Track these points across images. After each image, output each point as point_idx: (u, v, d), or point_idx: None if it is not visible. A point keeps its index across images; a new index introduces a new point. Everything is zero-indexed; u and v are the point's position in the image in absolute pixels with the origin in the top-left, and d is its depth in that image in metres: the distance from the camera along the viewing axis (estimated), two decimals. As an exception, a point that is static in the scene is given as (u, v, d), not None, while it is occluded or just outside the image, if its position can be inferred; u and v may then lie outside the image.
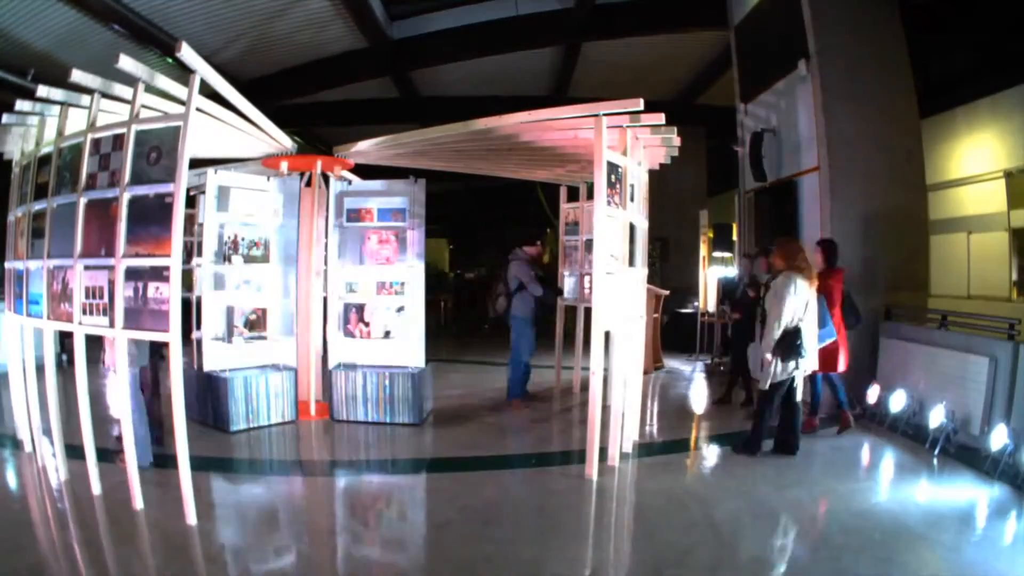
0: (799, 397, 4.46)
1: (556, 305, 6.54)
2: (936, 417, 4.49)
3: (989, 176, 6.73)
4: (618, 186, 4.16)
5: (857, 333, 5.60)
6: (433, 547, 3.19)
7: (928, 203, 6.17)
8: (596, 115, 3.89)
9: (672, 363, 8.34)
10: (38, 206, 3.71)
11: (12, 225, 4.11)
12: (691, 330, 8.86)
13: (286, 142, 4.99)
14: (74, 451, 3.67)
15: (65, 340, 6.42)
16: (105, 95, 3.49)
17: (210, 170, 5.14)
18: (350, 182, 5.76)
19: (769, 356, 4.20)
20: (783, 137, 6.49)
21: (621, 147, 4.24)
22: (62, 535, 3.12)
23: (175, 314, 3.07)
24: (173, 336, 3.06)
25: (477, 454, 4.55)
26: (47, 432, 3.85)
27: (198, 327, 5.24)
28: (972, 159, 6.96)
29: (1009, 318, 4.48)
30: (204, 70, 3.24)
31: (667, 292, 8.18)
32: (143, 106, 3.39)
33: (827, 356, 4.65)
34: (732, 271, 8.34)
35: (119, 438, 4.00)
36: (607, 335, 4.10)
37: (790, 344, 4.14)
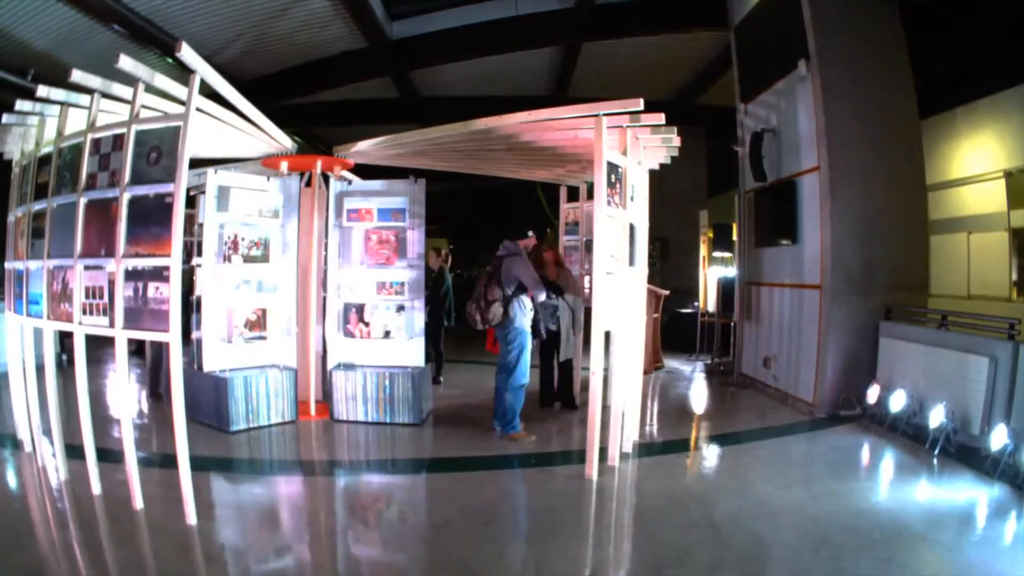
0: None
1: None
2: (936, 417, 4.49)
3: (989, 176, 6.73)
4: (618, 186, 4.16)
5: (857, 333, 5.63)
6: (433, 547, 3.19)
7: (928, 203, 6.17)
8: (596, 115, 3.89)
9: (672, 363, 8.35)
10: (38, 206, 3.71)
11: (12, 225, 4.11)
12: (691, 330, 8.87)
13: (286, 142, 4.99)
14: (74, 451, 3.68)
15: (65, 340, 6.43)
16: (105, 95, 3.49)
17: (210, 170, 5.14)
18: (350, 182, 5.76)
19: None
20: (783, 137, 6.49)
21: (621, 147, 4.24)
22: (62, 535, 3.12)
23: (175, 314, 3.07)
24: (173, 336, 3.06)
25: (477, 454, 4.55)
26: (47, 432, 3.85)
27: (198, 327, 5.23)
28: (972, 159, 6.96)
29: (1009, 318, 4.48)
30: (204, 70, 3.24)
31: (667, 292, 8.18)
32: (143, 106, 3.39)
33: None
34: (732, 271, 8.34)
35: None
36: (607, 335, 4.10)
37: None
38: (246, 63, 8.73)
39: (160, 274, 3.11)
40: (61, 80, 3.49)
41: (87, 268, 3.34)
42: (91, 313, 3.31)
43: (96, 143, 3.40)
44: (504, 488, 3.97)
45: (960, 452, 4.38)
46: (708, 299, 8.88)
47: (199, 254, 5.35)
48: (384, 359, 5.40)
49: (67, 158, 3.54)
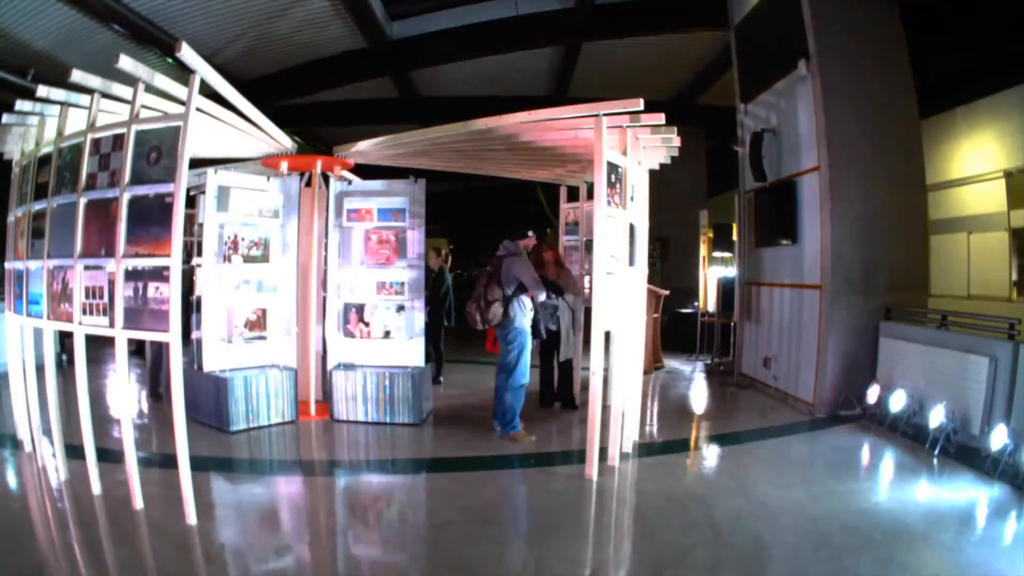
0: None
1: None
2: (936, 417, 4.49)
3: (989, 176, 6.73)
4: (618, 186, 4.16)
5: (857, 333, 5.63)
6: (433, 547, 3.19)
7: (928, 203, 6.17)
8: (596, 115, 3.89)
9: (672, 363, 8.35)
10: (38, 206, 3.71)
11: (12, 225, 4.11)
12: (691, 330, 8.87)
13: (286, 142, 4.99)
14: (74, 451, 3.68)
15: (65, 340, 6.43)
16: (105, 95, 3.49)
17: (210, 170, 5.14)
18: (350, 182, 5.76)
19: None
20: (783, 137, 6.49)
21: (621, 147, 4.24)
22: (62, 535, 3.12)
23: (175, 314, 3.07)
24: (173, 336, 3.06)
25: (477, 454, 4.55)
26: (47, 432, 3.85)
27: (198, 327, 5.24)
28: (972, 159, 6.97)
29: (1009, 318, 4.48)
30: (204, 70, 3.24)
31: (667, 292, 8.18)
32: (143, 106, 3.39)
33: None
34: (732, 271, 8.34)
35: None
36: (607, 335, 4.10)
37: None
38: (246, 63, 8.73)
39: (160, 274, 3.11)
40: (61, 80, 3.49)
41: (87, 268, 3.34)
42: (91, 313, 3.31)
43: (96, 143, 3.40)
44: (504, 488, 3.97)
45: (960, 452, 4.38)
46: (708, 299, 8.88)
47: (199, 254, 5.35)
48: (384, 359, 5.40)
49: (67, 158, 3.54)
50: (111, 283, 3.22)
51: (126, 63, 3.09)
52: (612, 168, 4.06)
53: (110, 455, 3.85)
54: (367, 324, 5.46)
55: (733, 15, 7.31)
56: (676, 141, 4.64)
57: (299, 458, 4.64)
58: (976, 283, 6.89)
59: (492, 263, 4.79)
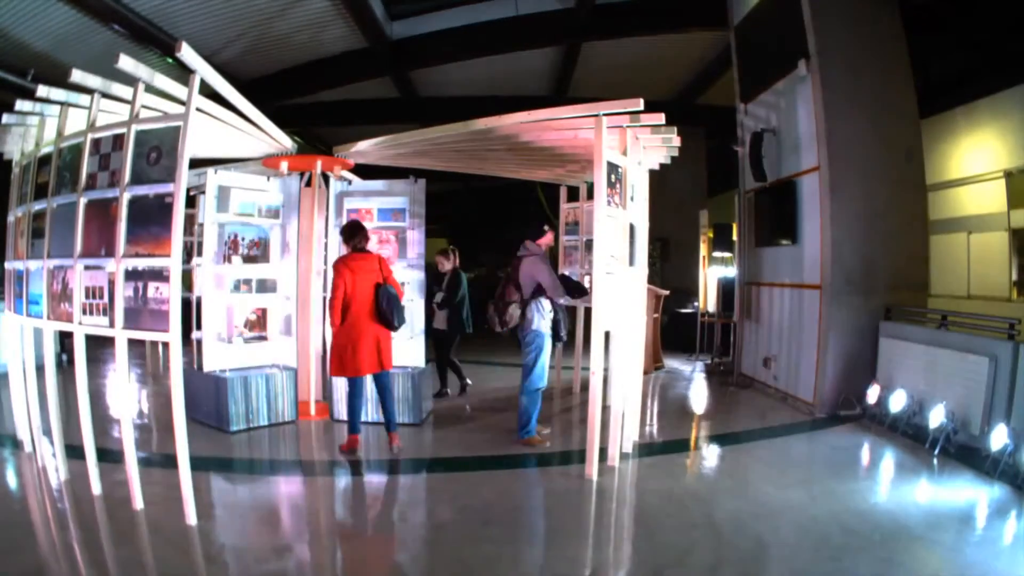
0: None
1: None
2: (936, 417, 4.49)
3: (989, 176, 6.73)
4: (618, 186, 4.17)
5: (857, 333, 5.63)
6: (433, 547, 3.19)
7: (928, 203, 6.17)
8: (596, 115, 3.89)
9: (672, 363, 8.35)
10: (38, 206, 3.71)
11: (12, 225, 4.11)
12: (691, 330, 8.87)
13: (286, 142, 4.99)
14: (74, 451, 3.68)
15: (65, 340, 6.43)
16: (105, 95, 3.49)
17: (210, 170, 5.14)
18: (350, 182, 5.76)
19: None
20: (783, 137, 6.49)
21: (621, 147, 4.24)
22: (62, 535, 3.12)
23: (175, 314, 3.07)
24: (173, 336, 3.06)
25: (477, 454, 4.55)
26: (47, 432, 3.85)
27: (198, 327, 5.24)
28: (972, 159, 6.96)
29: (1009, 318, 4.48)
30: (204, 70, 3.24)
31: (667, 292, 8.19)
32: (143, 106, 3.39)
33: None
34: (732, 271, 8.34)
35: None
36: (607, 335, 4.10)
37: None
38: (246, 63, 8.73)
39: (160, 274, 3.11)
40: (61, 80, 3.49)
41: (87, 268, 3.34)
42: (91, 313, 3.32)
43: (96, 143, 3.40)
44: (504, 488, 3.97)
45: (960, 452, 4.38)
46: (708, 299, 8.88)
47: (199, 254, 5.35)
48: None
49: (67, 158, 3.54)
50: (111, 283, 3.22)
51: (126, 63, 3.09)
52: (612, 168, 4.06)
53: (110, 455, 3.85)
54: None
55: (733, 15, 7.32)
56: (676, 141, 4.64)
57: (299, 458, 4.64)
58: (976, 283, 6.89)
59: (511, 264, 4.68)
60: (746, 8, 6.97)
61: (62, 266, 3.46)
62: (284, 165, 5.18)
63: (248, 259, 5.30)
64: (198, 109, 3.33)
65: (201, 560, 2.91)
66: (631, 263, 4.40)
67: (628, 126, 4.17)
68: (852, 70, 5.69)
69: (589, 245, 5.19)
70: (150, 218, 3.15)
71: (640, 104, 3.78)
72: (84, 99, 3.57)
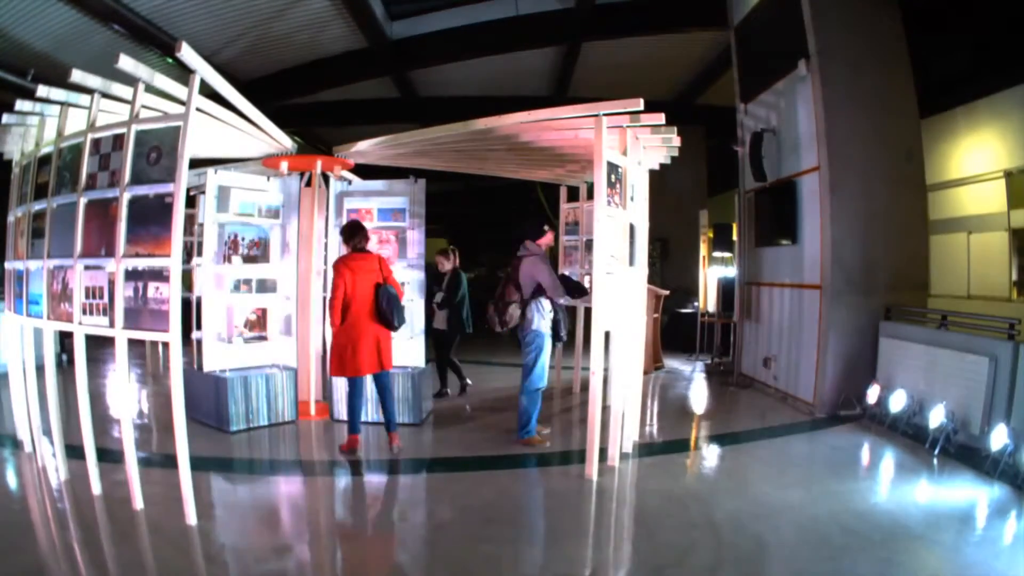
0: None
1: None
2: (936, 417, 4.49)
3: (989, 176, 6.72)
4: (618, 186, 4.17)
5: (857, 333, 5.63)
6: (433, 547, 3.19)
7: (928, 203, 6.17)
8: (596, 115, 3.89)
9: (672, 363, 8.35)
10: (38, 206, 3.71)
11: (12, 225, 4.11)
12: (691, 330, 8.87)
13: (286, 142, 4.99)
14: (74, 451, 3.68)
15: (65, 340, 6.43)
16: (105, 95, 3.49)
17: (210, 170, 5.14)
18: (350, 182, 5.76)
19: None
20: (783, 137, 6.49)
21: (621, 147, 4.24)
22: (62, 535, 3.12)
23: (175, 314, 3.07)
24: (173, 336, 3.06)
25: (477, 454, 4.55)
26: (47, 432, 3.85)
27: (198, 327, 5.24)
28: (972, 159, 6.96)
29: (1009, 318, 4.48)
30: (204, 70, 3.24)
31: (667, 292, 8.19)
32: (143, 106, 3.39)
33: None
34: (732, 271, 8.34)
35: None
36: (607, 335, 4.10)
37: None
38: (246, 63, 8.73)
39: (160, 274, 3.11)
40: (61, 80, 3.49)
41: (87, 268, 3.34)
42: (91, 313, 3.32)
43: (96, 143, 3.40)
44: (504, 488, 3.97)
45: (960, 452, 4.38)
46: (708, 299, 8.88)
47: (199, 254, 5.35)
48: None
49: (67, 158, 3.54)
50: (111, 283, 3.22)
51: (126, 63, 3.09)
52: (612, 168, 4.06)
53: (110, 455, 3.85)
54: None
55: (733, 15, 7.32)
56: (676, 141, 4.64)
57: (299, 458, 4.64)
58: (976, 283, 6.88)
59: (512, 264, 4.67)
60: (746, 8, 6.97)
61: (62, 266, 3.46)
62: (284, 165, 5.18)
63: (248, 259, 5.31)
64: (198, 109, 3.33)
65: (201, 560, 2.91)
66: (631, 263, 4.40)
67: (628, 126, 4.17)
68: (852, 70, 5.69)
69: (589, 245, 5.19)
70: (150, 218, 3.15)
71: (640, 104, 3.78)
72: (84, 99, 3.57)
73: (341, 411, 5.26)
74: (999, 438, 3.99)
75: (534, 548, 3.11)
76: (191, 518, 3.15)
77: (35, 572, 2.73)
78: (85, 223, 3.36)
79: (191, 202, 6.71)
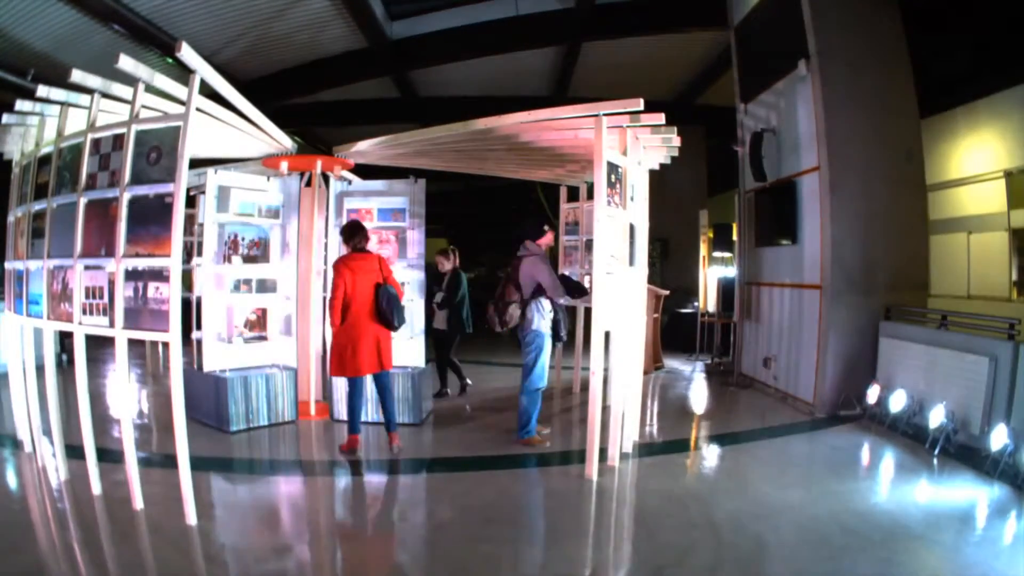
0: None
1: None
2: (936, 417, 4.49)
3: (989, 176, 6.73)
4: (618, 186, 4.17)
5: (857, 333, 5.63)
6: (433, 547, 3.19)
7: (928, 203, 6.17)
8: (596, 115, 3.89)
9: (672, 363, 8.35)
10: (38, 206, 3.71)
11: (12, 225, 4.11)
12: (691, 330, 8.87)
13: (286, 142, 4.99)
14: (74, 451, 3.68)
15: (65, 340, 6.43)
16: (105, 95, 3.49)
17: (210, 170, 5.14)
18: (350, 182, 5.76)
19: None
20: (783, 137, 6.49)
21: (621, 147, 4.24)
22: (62, 535, 3.12)
23: (175, 314, 3.07)
24: (173, 336, 3.06)
25: (477, 454, 4.55)
26: (47, 432, 3.85)
27: (198, 327, 5.24)
28: (972, 159, 6.96)
29: (1009, 318, 4.48)
30: (204, 70, 3.24)
31: (667, 292, 8.19)
32: (143, 106, 3.39)
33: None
34: (732, 271, 8.34)
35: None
36: (607, 335, 4.10)
37: None
38: (246, 63, 8.73)
39: (160, 274, 3.11)
40: (61, 80, 3.49)
41: (87, 268, 3.34)
42: (91, 313, 3.32)
43: (96, 143, 3.40)
44: (504, 488, 3.97)
45: (960, 452, 4.38)
46: (708, 299, 8.89)
47: (199, 254, 5.35)
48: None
49: (67, 158, 3.54)
50: (111, 283, 3.22)
51: (126, 63, 3.09)
52: (612, 168, 4.06)
53: (110, 455, 3.85)
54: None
55: (733, 15, 7.32)
56: (676, 141, 4.64)
57: (299, 458, 4.64)
58: (976, 283, 6.88)
59: (512, 264, 4.65)
60: (746, 8, 6.97)
61: (62, 266, 3.46)
62: (284, 165, 5.18)
63: (248, 259, 5.31)
64: (198, 109, 3.33)
65: (201, 560, 2.91)
66: (631, 263, 4.40)
67: (628, 126, 4.17)
68: (852, 70, 5.69)
69: (589, 245, 5.19)
70: (150, 218, 3.15)
71: (640, 104, 3.78)
72: (84, 99, 3.57)
73: (341, 411, 5.26)
74: (999, 438, 3.99)
75: (534, 548, 3.11)
76: (191, 518, 3.15)
77: (35, 572, 2.73)
78: (85, 223, 3.36)
79: (191, 202, 6.70)
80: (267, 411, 5.12)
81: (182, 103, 3.27)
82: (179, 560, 2.88)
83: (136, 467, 3.29)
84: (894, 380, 5.16)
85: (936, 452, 4.42)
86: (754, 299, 7.12)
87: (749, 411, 6.03)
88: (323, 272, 5.74)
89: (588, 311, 4.62)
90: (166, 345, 3.15)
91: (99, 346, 6.20)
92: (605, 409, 4.33)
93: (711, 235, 8.86)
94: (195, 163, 3.79)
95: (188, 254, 7.13)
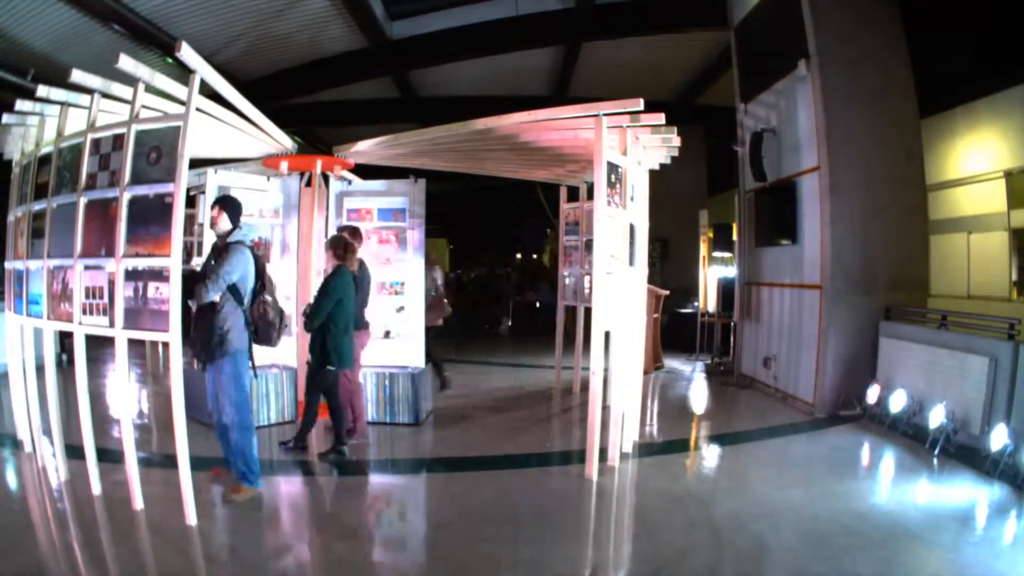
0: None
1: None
2: (936, 417, 4.49)
3: (989, 176, 6.72)
4: (618, 186, 4.17)
5: (857, 333, 5.63)
6: (433, 547, 3.19)
7: (928, 203, 6.17)
8: (596, 115, 3.89)
9: (672, 363, 8.35)
10: (38, 206, 3.71)
11: (12, 225, 4.11)
12: (691, 330, 8.87)
13: (286, 142, 4.99)
14: (74, 451, 3.67)
15: (65, 340, 6.43)
16: (105, 95, 3.49)
17: (210, 170, 5.14)
18: (350, 182, 5.76)
19: None
20: (783, 137, 6.49)
21: (621, 147, 4.24)
22: (62, 535, 3.12)
23: (175, 314, 3.07)
24: (173, 336, 3.06)
25: (477, 454, 4.55)
26: (47, 432, 3.85)
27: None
28: (972, 159, 6.96)
29: (1009, 318, 4.48)
30: (204, 70, 3.24)
31: (667, 292, 8.19)
32: (143, 106, 3.39)
33: None
34: (732, 271, 8.35)
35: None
36: (607, 335, 4.10)
37: None
38: (246, 63, 8.73)
39: (160, 274, 3.11)
40: (61, 80, 3.49)
41: (87, 268, 3.34)
42: (91, 313, 3.31)
43: (96, 143, 3.40)
44: (504, 488, 3.97)
45: (960, 452, 4.38)
46: (708, 299, 8.89)
47: (199, 254, 5.35)
48: (384, 359, 5.40)
49: (67, 158, 3.54)
50: (111, 283, 3.22)
51: (126, 63, 3.09)
52: (612, 168, 4.06)
53: (110, 455, 3.85)
54: (367, 324, 5.45)
55: (733, 15, 7.32)
56: (676, 141, 4.64)
57: (299, 458, 4.63)
58: (976, 283, 6.88)
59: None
60: (746, 8, 6.98)
61: (62, 266, 3.45)
62: (284, 165, 5.17)
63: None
64: (198, 109, 3.33)
65: (201, 560, 2.91)
66: (631, 263, 4.40)
67: (628, 126, 4.17)
68: (852, 70, 5.69)
69: (589, 245, 5.19)
70: (150, 218, 3.15)
71: (640, 104, 3.78)
72: (84, 99, 3.57)
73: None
74: (999, 438, 3.99)
75: (534, 548, 3.11)
76: (191, 518, 3.15)
77: (35, 572, 2.73)
78: (85, 223, 3.36)
79: (191, 202, 6.70)
80: (267, 411, 5.12)
81: (182, 103, 3.26)
82: (179, 560, 2.87)
83: (136, 467, 3.29)
84: (894, 380, 5.15)
85: (936, 452, 4.42)
86: (754, 299, 7.13)
87: (749, 411, 6.03)
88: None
89: (588, 311, 4.62)
90: (166, 345, 3.15)
91: (99, 346, 6.20)
92: (605, 409, 4.33)
93: (711, 235, 8.86)
94: (195, 163, 3.79)
95: (188, 254, 7.13)
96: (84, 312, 3.33)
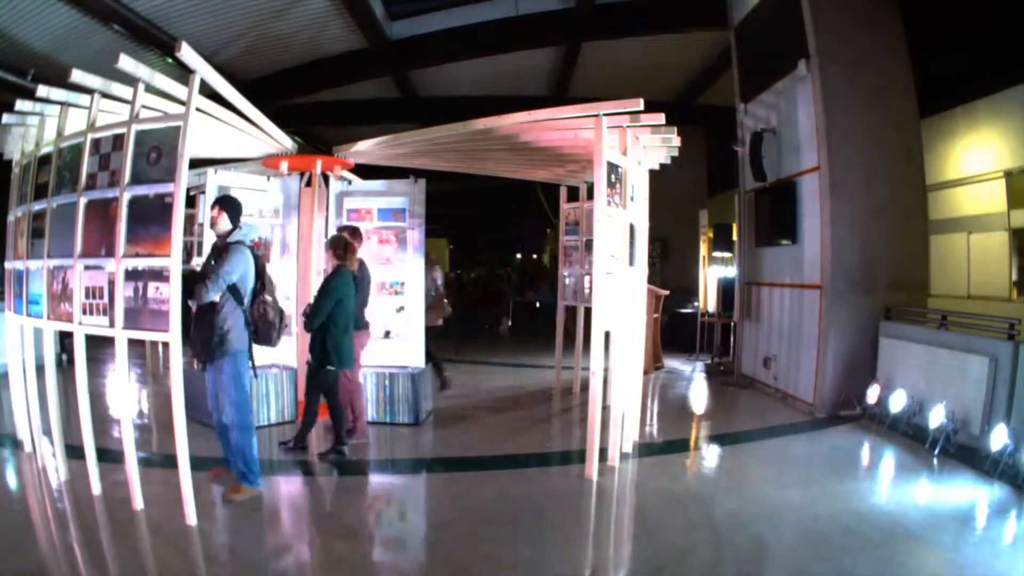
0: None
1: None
2: (936, 417, 4.49)
3: (989, 176, 6.73)
4: (618, 186, 4.17)
5: (857, 333, 5.63)
6: (433, 547, 3.19)
7: (928, 203, 6.17)
8: (596, 115, 3.89)
9: (672, 363, 8.35)
10: (38, 206, 3.71)
11: (12, 225, 4.11)
12: (691, 330, 8.87)
13: (286, 142, 4.99)
14: (74, 451, 3.67)
15: (65, 340, 6.43)
16: (105, 95, 3.49)
17: (210, 170, 5.14)
18: (350, 182, 5.77)
19: None
20: (783, 137, 6.49)
21: (621, 147, 4.24)
22: (62, 535, 3.12)
23: (175, 314, 3.07)
24: (173, 336, 3.06)
25: (477, 454, 4.55)
26: (47, 432, 3.85)
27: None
28: (972, 159, 6.96)
29: (1009, 318, 4.48)
30: (204, 70, 3.23)
31: (667, 292, 8.19)
32: (143, 106, 3.39)
33: None
34: (732, 271, 8.35)
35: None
36: (607, 335, 4.10)
37: None
38: (246, 63, 8.74)
39: (160, 274, 3.11)
40: (61, 80, 3.49)
41: (87, 268, 3.34)
42: (91, 313, 3.31)
43: (96, 143, 3.40)
44: (504, 488, 3.97)
45: (960, 452, 4.38)
46: (708, 299, 8.89)
47: (199, 254, 5.35)
48: (384, 359, 5.40)
49: (67, 158, 3.54)
50: (111, 283, 3.22)
51: (126, 63, 3.09)
52: (612, 168, 4.06)
53: (110, 455, 3.85)
54: (367, 324, 5.45)
55: (733, 15, 7.32)
56: (676, 141, 4.65)
57: (298, 458, 4.63)
58: (976, 283, 6.88)
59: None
60: (746, 8, 6.98)
61: (62, 266, 3.45)
62: (284, 165, 5.17)
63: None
64: (198, 109, 3.33)
65: (201, 560, 2.91)
66: (631, 263, 4.40)
67: (628, 126, 4.17)
68: (852, 70, 5.69)
69: (589, 245, 5.19)
70: (150, 218, 3.15)
71: (640, 104, 3.78)
72: (84, 99, 3.57)
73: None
74: (999, 438, 3.99)
75: (534, 548, 3.10)
76: (191, 518, 3.15)
77: (35, 572, 2.73)
78: (85, 223, 3.36)
79: (191, 202, 6.71)
80: (267, 411, 5.12)
81: (182, 103, 3.26)
82: (179, 560, 2.88)
83: (136, 467, 3.29)
84: (894, 380, 5.16)
85: (936, 452, 4.42)
86: (754, 299, 7.13)
87: (749, 411, 6.04)
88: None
89: (588, 311, 4.62)
90: (166, 345, 3.15)
91: (99, 346, 6.20)
92: (605, 409, 4.33)
93: (711, 235, 8.86)
94: (195, 163, 3.79)
95: (188, 254, 7.13)
96: (84, 312, 3.33)
